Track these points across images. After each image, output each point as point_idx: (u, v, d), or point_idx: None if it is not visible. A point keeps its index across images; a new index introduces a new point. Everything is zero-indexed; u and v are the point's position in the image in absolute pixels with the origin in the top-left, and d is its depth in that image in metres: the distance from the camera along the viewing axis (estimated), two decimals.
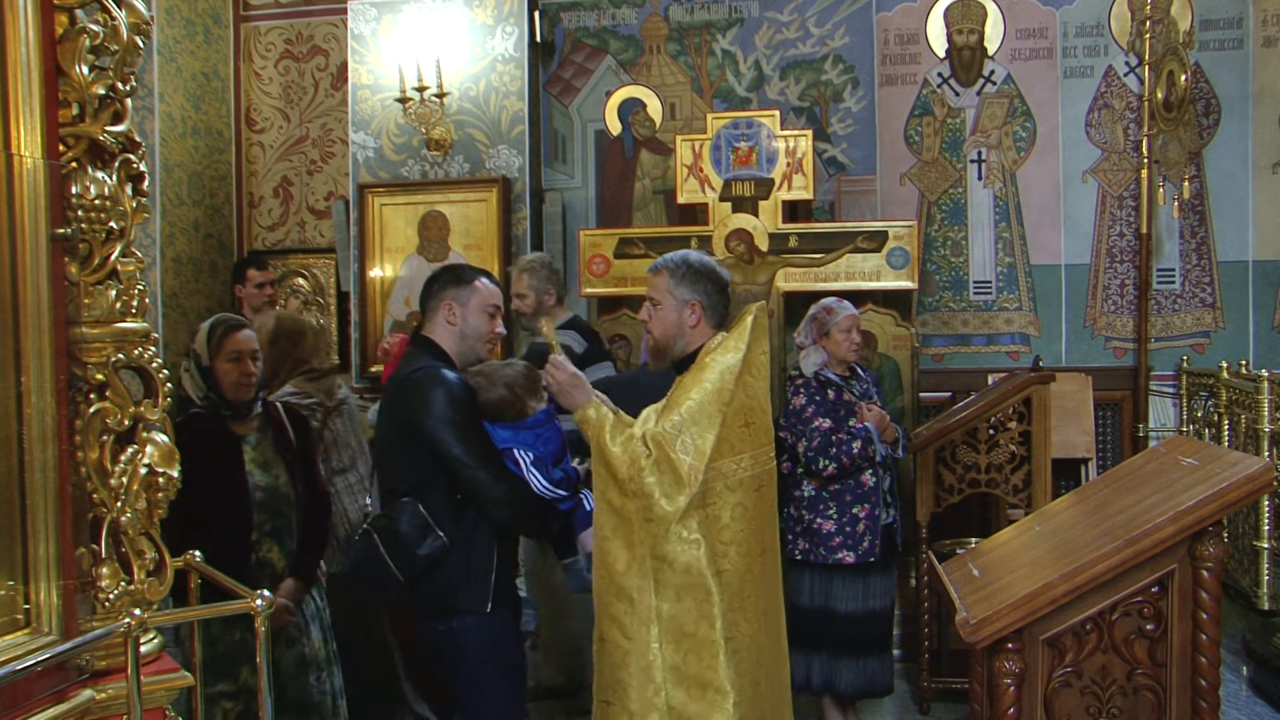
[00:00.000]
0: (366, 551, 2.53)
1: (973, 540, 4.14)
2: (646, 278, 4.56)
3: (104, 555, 1.58)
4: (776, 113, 5.05)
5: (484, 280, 2.71)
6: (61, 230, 1.54)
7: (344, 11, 5.61)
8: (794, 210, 5.13)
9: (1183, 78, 5.05)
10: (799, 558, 3.54)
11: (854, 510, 3.49)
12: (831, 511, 3.50)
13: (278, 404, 3.00)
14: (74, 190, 1.56)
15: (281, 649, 2.84)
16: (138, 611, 1.54)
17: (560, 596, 3.94)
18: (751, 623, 2.40)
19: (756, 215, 4.96)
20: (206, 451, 2.72)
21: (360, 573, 2.59)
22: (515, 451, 2.62)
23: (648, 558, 2.32)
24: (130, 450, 1.60)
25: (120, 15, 1.59)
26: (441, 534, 2.51)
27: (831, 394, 3.56)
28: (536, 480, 2.59)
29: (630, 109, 5.75)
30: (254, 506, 2.80)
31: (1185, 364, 5.36)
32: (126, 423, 1.60)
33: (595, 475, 2.40)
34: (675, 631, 2.33)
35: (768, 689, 2.48)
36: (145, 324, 1.66)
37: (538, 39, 5.46)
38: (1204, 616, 2.01)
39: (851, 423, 3.51)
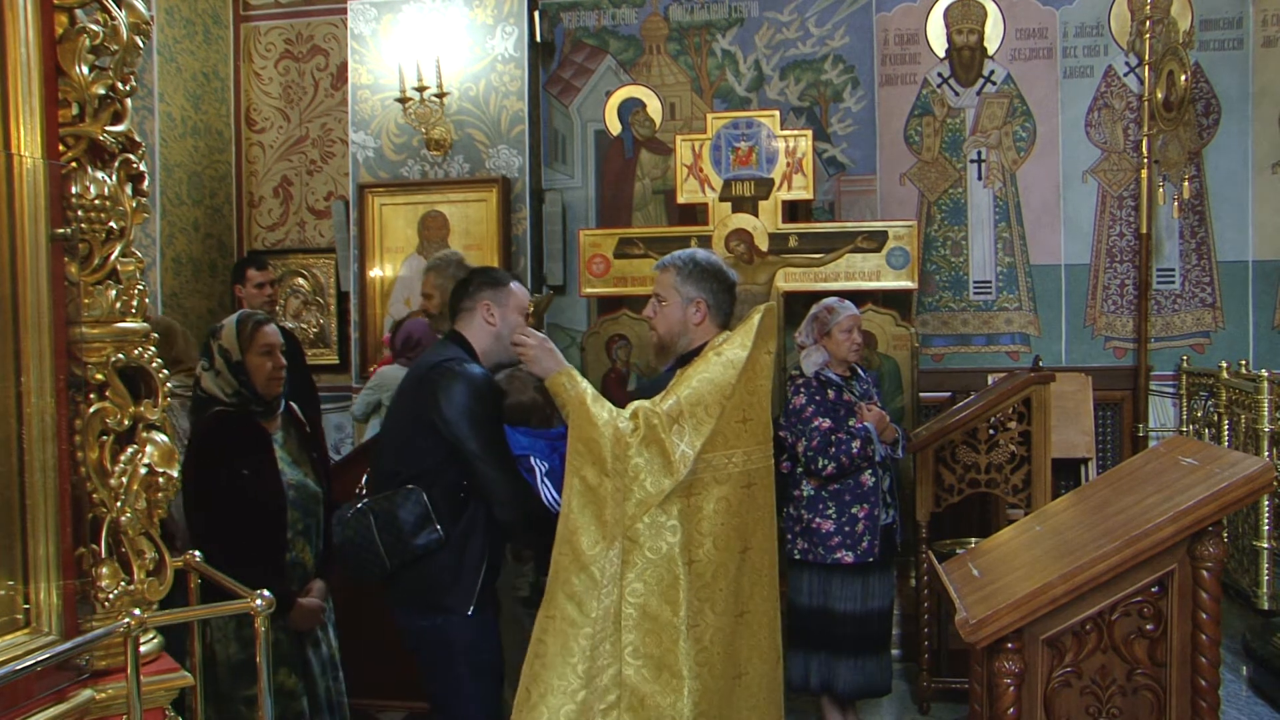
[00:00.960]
0: (358, 532, 2.51)
1: (973, 540, 4.14)
2: (646, 277, 4.60)
3: (104, 555, 1.58)
4: (776, 113, 5.05)
5: (516, 284, 2.75)
6: (61, 230, 1.54)
7: (344, 11, 5.61)
8: (794, 210, 5.13)
9: (1183, 78, 5.05)
10: (798, 557, 3.54)
11: (853, 510, 3.49)
12: (830, 511, 3.50)
13: (292, 402, 2.98)
14: (74, 190, 1.56)
15: (310, 650, 2.81)
16: (138, 611, 1.54)
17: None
18: (720, 615, 2.39)
19: (756, 215, 4.96)
20: (242, 449, 2.71)
21: (346, 552, 2.56)
22: (531, 459, 2.62)
23: (618, 537, 2.29)
24: (130, 450, 1.60)
25: (120, 15, 1.59)
26: (439, 528, 2.49)
27: (831, 394, 3.56)
28: (548, 491, 2.58)
29: (630, 109, 5.76)
30: (288, 505, 2.77)
31: (1185, 364, 5.36)
32: (126, 423, 1.60)
33: (570, 449, 2.35)
34: (638, 612, 2.30)
35: (742, 686, 2.46)
36: (145, 324, 1.67)
37: (538, 39, 5.46)
38: (1204, 616, 2.01)
39: (851, 423, 3.51)
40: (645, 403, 2.36)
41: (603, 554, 2.29)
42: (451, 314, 2.74)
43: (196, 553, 2.09)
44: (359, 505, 2.57)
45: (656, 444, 2.29)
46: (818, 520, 3.50)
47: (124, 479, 1.58)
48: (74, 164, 1.57)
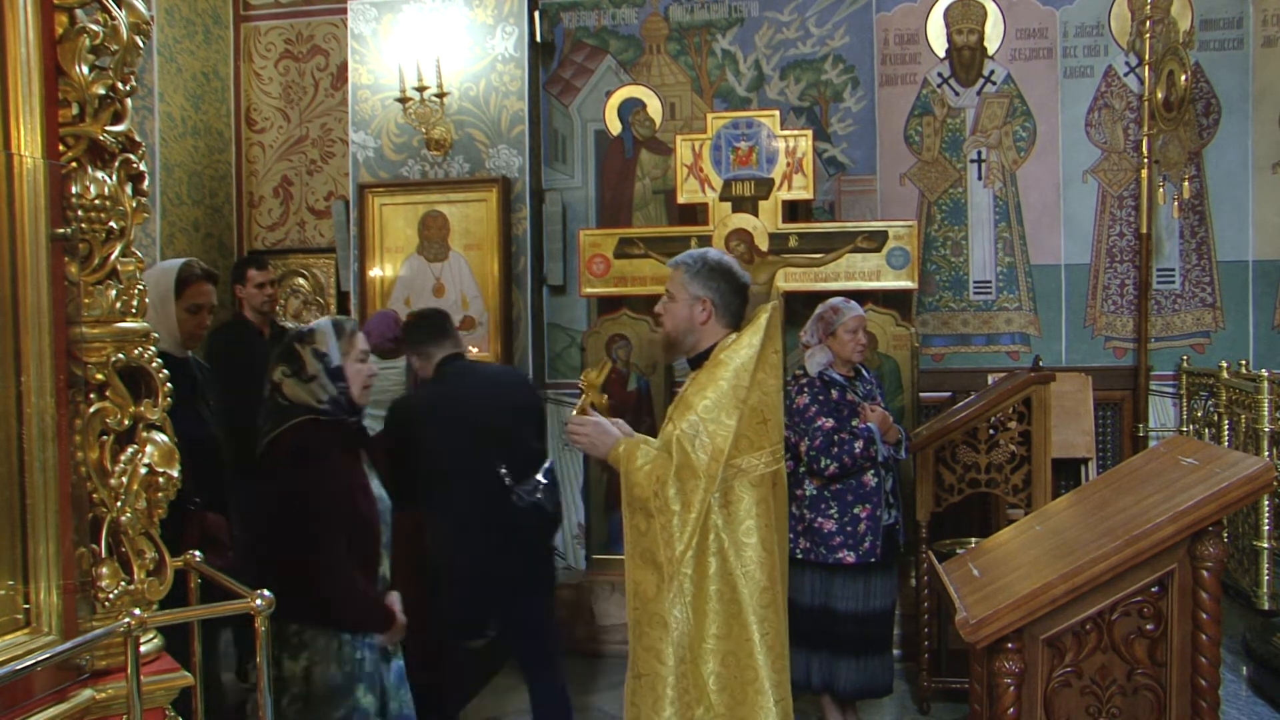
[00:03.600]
0: (546, 495, 3.31)
1: (973, 540, 4.14)
2: (646, 277, 4.71)
3: (104, 555, 1.57)
4: (776, 113, 5.05)
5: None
6: (61, 230, 1.54)
7: (344, 11, 5.61)
8: (794, 210, 5.13)
9: (1183, 78, 5.05)
10: (800, 557, 3.54)
11: (855, 510, 3.49)
12: (833, 511, 3.50)
13: None
14: (74, 190, 1.56)
15: (384, 664, 2.70)
16: (138, 611, 1.54)
17: None
18: (780, 617, 2.43)
19: (756, 215, 4.96)
20: (352, 461, 2.59)
21: (540, 514, 3.30)
22: None
23: (676, 575, 2.35)
24: (130, 450, 1.60)
25: (120, 15, 1.59)
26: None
27: (835, 394, 3.56)
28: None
29: (630, 109, 5.75)
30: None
31: (1185, 364, 5.36)
32: (126, 423, 1.60)
33: (625, 505, 2.46)
34: (713, 640, 2.35)
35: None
36: (145, 324, 1.66)
37: (538, 39, 5.46)
38: (1204, 616, 2.01)
39: (854, 423, 3.51)
40: (675, 426, 2.40)
41: (666, 598, 2.35)
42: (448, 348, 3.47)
43: (197, 553, 2.08)
44: (539, 476, 3.29)
45: (689, 467, 2.34)
46: (820, 520, 3.50)
47: (124, 479, 1.58)
48: (74, 164, 1.56)
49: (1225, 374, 4.93)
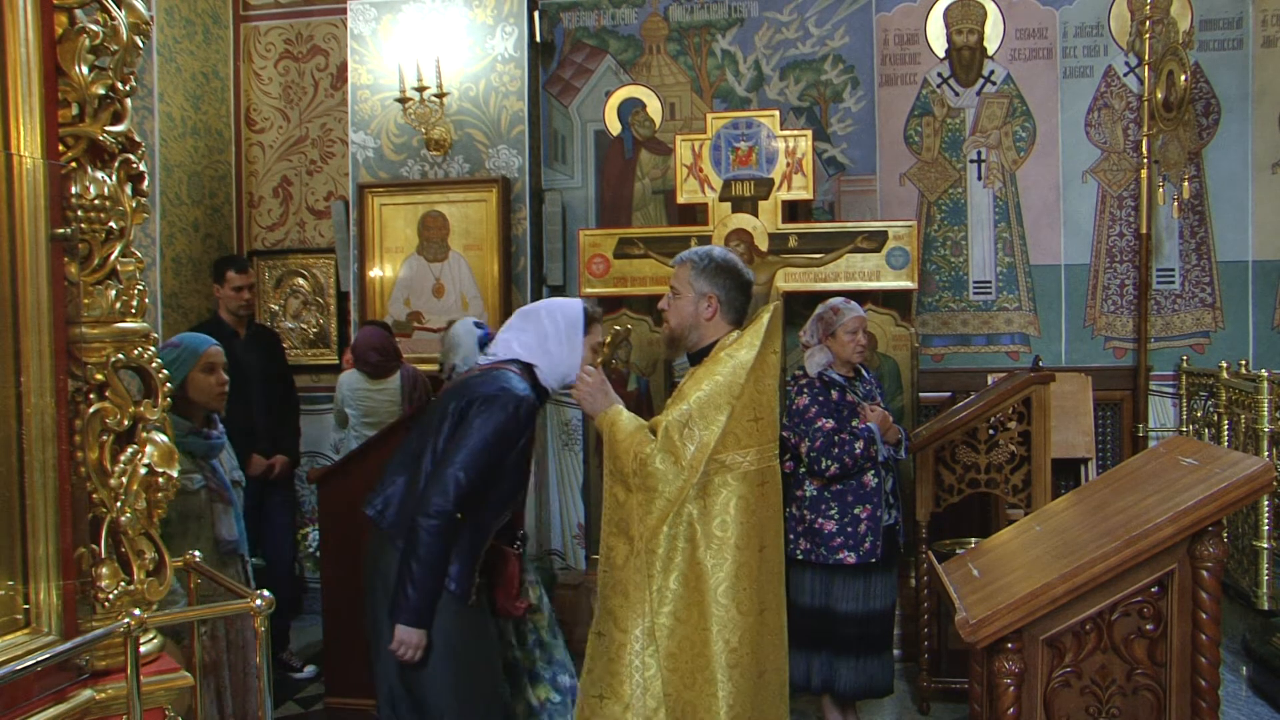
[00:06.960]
0: None
1: (973, 540, 4.14)
2: (646, 277, 4.71)
3: (104, 555, 1.57)
4: (776, 113, 5.05)
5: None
6: (61, 230, 1.54)
7: (344, 11, 5.61)
8: (794, 210, 5.12)
9: (1182, 78, 5.04)
10: (800, 557, 3.54)
11: (855, 511, 3.49)
12: (833, 512, 3.50)
13: None
14: (74, 190, 1.56)
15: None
16: (138, 611, 1.54)
17: None
18: (746, 615, 2.43)
19: (756, 215, 4.96)
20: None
21: None
22: None
23: (644, 551, 2.38)
24: (130, 450, 1.60)
25: (120, 15, 1.59)
26: None
27: (835, 394, 3.56)
28: None
29: (630, 109, 5.75)
30: None
31: (1185, 364, 5.36)
32: (126, 423, 1.60)
33: (606, 472, 2.49)
34: (670, 621, 2.38)
35: (763, 684, 2.51)
36: (145, 324, 1.66)
37: (538, 39, 5.46)
38: (1204, 616, 2.01)
39: (854, 423, 3.51)
40: (667, 415, 2.43)
41: (632, 568, 2.39)
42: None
43: (196, 553, 2.08)
44: None
45: (672, 451, 2.36)
46: (820, 520, 3.50)
47: (124, 479, 1.58)
48: (74, 164, 1.56)
49: (1225, 374, 4.93)
